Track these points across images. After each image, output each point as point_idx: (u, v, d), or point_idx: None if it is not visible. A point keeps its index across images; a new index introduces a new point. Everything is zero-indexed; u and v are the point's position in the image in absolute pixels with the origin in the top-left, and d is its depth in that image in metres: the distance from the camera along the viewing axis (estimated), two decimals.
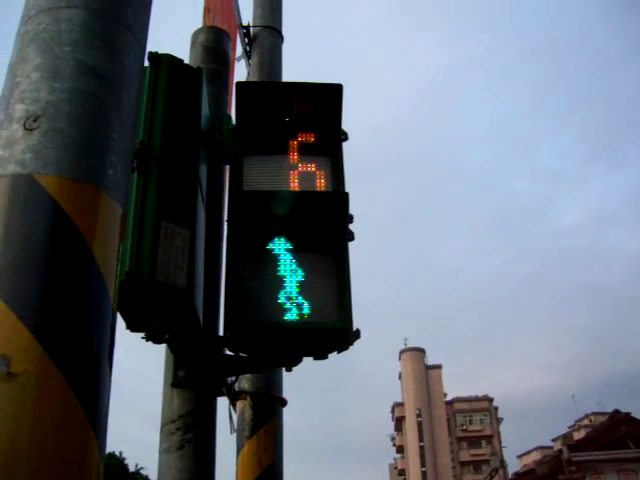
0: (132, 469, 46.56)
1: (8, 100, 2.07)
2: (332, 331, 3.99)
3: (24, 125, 1.99)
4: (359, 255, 4.39)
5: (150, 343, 3.83)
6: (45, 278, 1.79)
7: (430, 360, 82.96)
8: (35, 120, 2.00)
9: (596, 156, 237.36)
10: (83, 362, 1.80)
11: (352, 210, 4.18)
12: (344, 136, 4.60)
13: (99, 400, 1.84)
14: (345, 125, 4.62)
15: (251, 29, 7.12)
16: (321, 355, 4.14)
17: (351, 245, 4.24)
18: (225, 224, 4.29)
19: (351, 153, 4.55)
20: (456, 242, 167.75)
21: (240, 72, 7.03)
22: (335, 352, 4.14)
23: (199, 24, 5.48)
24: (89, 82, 2.11)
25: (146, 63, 3.86)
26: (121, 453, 45.88)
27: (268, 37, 7.01)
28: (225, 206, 4.40)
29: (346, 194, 4.10)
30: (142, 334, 3.76)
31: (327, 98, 4.45)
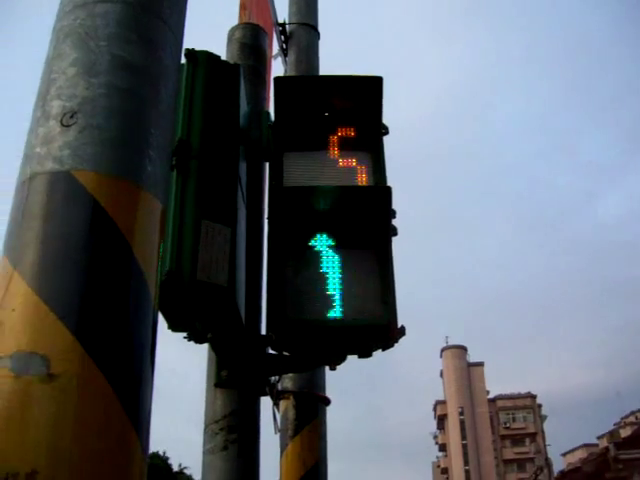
0: (175, 469, 46.84)
1: (45, 97, 2.04)
2: (376, 328, 3.91)
3: (61, 121, 1.95)
4: (400, 253, 4.30)
5: (192, 343, 3.80)
6: (85, 277, 1.75)
7: (472, 358, 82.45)
8: (72, 116, 1.96)
9: (637, 149, 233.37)
10: (125, 363, 1.76)
11: (393, 207, 4.11)
12: (385, 130, 4.52)
13: (142, 401, 1.80)
14: (385, 121, 4.55)
15: (287, 26, 7.09)
16: (366, 353, 4.06)
17: (394, 241, 4.17)
18: (266, 221, 4.24)
19: (390, 150, 4.46)
20: (498, 239, 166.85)
21: (277, 70, 6.99)
22: (380, 350, 4.06)
23: (235, 22, 5.45)
24: (126, 77, 2.07)
25: (183, 60, 3.84)
26: (164, 452, 46.22)
27: (304, 34, 6.96)
28: (266, 203, 4.35)
29: (389, 188, 4.02)
30: (184, 334, 3.72)
31: (367, 91, 4.37)
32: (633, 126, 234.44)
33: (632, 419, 65.24)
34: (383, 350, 4.06)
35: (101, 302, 1.74)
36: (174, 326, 3.61)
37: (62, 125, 1.95)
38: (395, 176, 4.18)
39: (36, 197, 1.85)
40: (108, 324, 1.74)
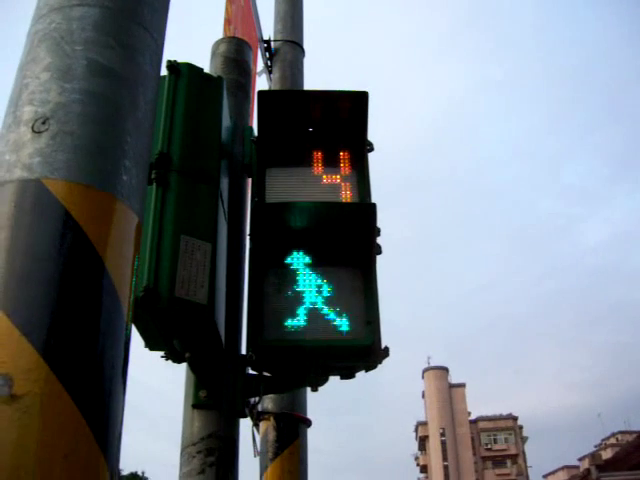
0: None
1: (16, 102, 1.95)
2: (360, 349, 3.82)
3: (32, 128, 1.86)
4: (384, 274, 4.23)
5: (170, 362, 3.69)
6: (52, 291, 1.64)
7: (454, 379, 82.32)
8: (44, 122, 1.87)
9: (621, 174, 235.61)
10: (93, 383, 1.65)
11: (378, 225, 4.03)
12: (370, 146, 4.46)
13: (111, 423, 1.69)
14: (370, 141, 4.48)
15: (272, 43, 7.07)
16: (348, 374, 3.97)
17: (378, 259, 4.09)
18: (247, 238, 4.15)
19: (376, 173, 4.40)
20: (481, 261, 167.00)
21: (261, 86, 6.94)
22: (363, 371, 3.97)
23: (220, 36, 5.38)
24: (102, 82, 1.98)
25: (165, 72, 3.76)
26: (143, 473, 45.78)
27: (289, 51, 6.95)
28: (247, 219, 4.26)
29: (374, 205, 3.95)
30: (161, 353, 3.61)
31: (352, 106, 4.31)
32: (615, 152, 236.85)
33: (613, 441, 65.45)
34: (366, 371, 3.97)
35: (69, 318, 1.64)
36: (151, 345, 3.51)
37: (33, 131, 1.85)
38: (379, 198, 4.10)
39: (3, 206, 1.75)
40: (76, 342, 1.64)
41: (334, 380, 4.08)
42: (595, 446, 68.29)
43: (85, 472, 1.57)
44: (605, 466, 27.55)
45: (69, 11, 2.10)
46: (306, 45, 7.15)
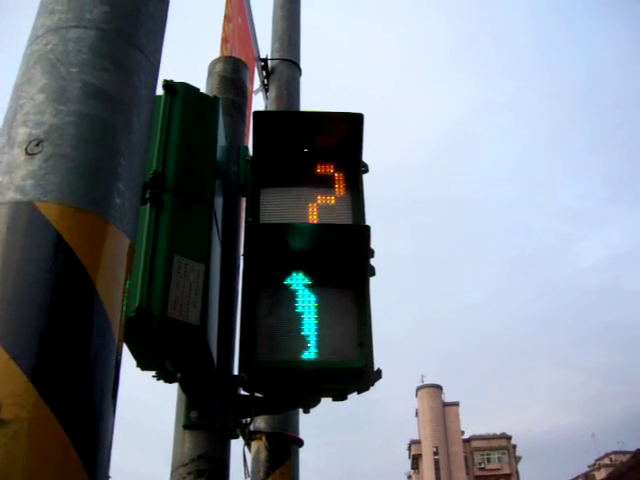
0: None
1: (11, 123, 1.94)
2: (352, 371, 3.81)
3: (26, 150, 1.86)
4: (379, 292, 4.22)
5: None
6: (42, 314, 1.63)
7: (447, 397, 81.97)
8: (38, 144, 1.86)
9: (616, 196, 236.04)
10: (83, 407, 1.64)
11: (374, 248, 4.04)
12: (364, 168, 4.46)
13: (99, 447, 1.68)
14: (368, 162, 4.50)
15: (269, 62, 7.09)
16: (340, 396, 3.96)
17: (372, 281, 4.08)
18: (241, 258, 4.14)
19: (373, 193, 4.40)
20: (477, 281, 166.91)
21: (258, 105, 6.96)
22: (355, 393, 3.95)
23: (216, 55, 5.39)
24: (97, 105, 1.98)
25: (161, 91, 3.76)
26: None
27: (286, 70, 6.97)
28: (241, 240, 4.26)
29: (367, 227, 3.95)
30: (153, 373, 3.59)
31: (347, 128, 4.32)
32: (613, 173, 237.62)
33: (607, 461, 65.34)
34: (358, 393, 3.96)
35: (59, 342, 1.63)
36: (143, 365, 3.49)
37: (27, 153, 1.85)
38: (376, 217, 4.10)
39: None
40: (66, 366, 1.63)
41: (326, 400, 4.06)
42: (589, 466, 68.16)
43: None
44: None
45: (65, 33, 2.10)
46: (303, 64, 7.18)
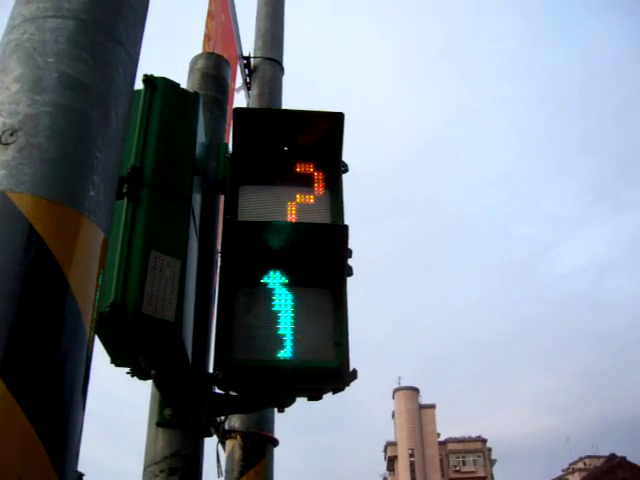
0: None
1: None
2: (328, 370, 3.80)
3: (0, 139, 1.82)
4: (358, 294, 4.21)
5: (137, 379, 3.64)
6: (12, 306, 1.61)
7: (425, 400, 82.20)
8: (12, 134, 1.83)
9: (597, 202, 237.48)
10: (51, 402, 1.61)
11: (354, 250, 4.03)
12: (344, 168, 4.46)
13: (68, 443, 1.65)
14: (349, 165, 4.49)
15: (252, 60, 7.07)
16: (316, 396, 3.94)
17: (350, 281, 4.07)
18: (218, 256, 4.12)
19: (354, 196, 4.40)
20: (457, 286, 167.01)
21: (240, 103, 6.93)
22: (330, 393, 3.94)
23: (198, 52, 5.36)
24: (73, 96, 1.95)
25: (140, 86, 3.73)
26: None
27: (269, 68, 6.96)
28: (219, 237, 4.23)
29: (346, 227, 3.94)
30: (127, 369, 3.56)
31: (328, 127, 4.31)
32: (593, 179, 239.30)
33: (581, 465, 65.80)
34: (334, 393, 3.95)
35: (28, 335, 1.61)
36: (117, 361, 3.45)
37: (0, 143, 1.82)
38: (356, 221, 4.07)
39: None
40: (35, 359, 1.60)
41: (302, 399, 4.05)
42: (562, 470, 68.57)
43: None
44: None
45: (43, 22, 2.07)
46: (286, 63, 7.17)
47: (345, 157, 4.47)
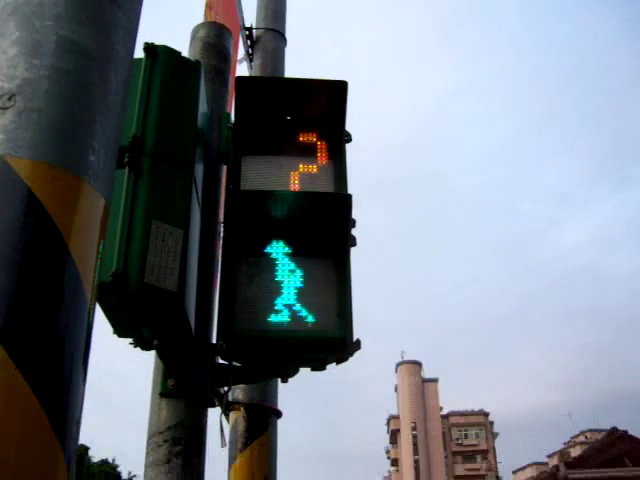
0: (125, 477, 46.29)
1: None
2: (331, 341, 3.79)
3: None
4: (360, 267, 4.18)
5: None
6: (12, 271, 1.58)
7: (427, 374, 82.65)
8: (10, 98, 1.80)
9: (600, 178, 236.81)
10: (52, 369, 1.59)
11: (356, 223, 4.00)
12: (348, 137, 4.41)
13: (69, 410, 1.64)
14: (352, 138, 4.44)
15: (254, 31, 7.00)
16: (319, 366, 3.93)
17: (353, 252, 4.05)
18: (221, 225, 4.09)
19: (356, 169, 4.35)
20: (459, 261, 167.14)
21: (241, 74, 6.86)
22: (334, 363, 3.93)
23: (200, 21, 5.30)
24: (72, 59, 1.91)
25: (141, 54, 3.68)
26: (114, 460, 45.60)
27: (271, 39, 6.90)
28: (222, 207, 4.20)
29: (349, 196, 3.91)
30: (130, 340, 3.55)
31: (331, 95, 4.27)
32: (596, 154, 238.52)
33: (582, 439, 66.19)
34: (337, 364, 3.93)
35: (29, 301, 1.58)
36: (119, 331, 3.44)
37: None
38: (357, 195, 4.02)
39: None
40: (36, 327, 1.58)
41: (306, 372, 4.04)
42: (564, 444, 69.02)
43: (41, 460, 1.52)
44: (573, 463, 27.88)
45: None
46: (289, 34, 7.10)
47: (346, 126, 4.43)
